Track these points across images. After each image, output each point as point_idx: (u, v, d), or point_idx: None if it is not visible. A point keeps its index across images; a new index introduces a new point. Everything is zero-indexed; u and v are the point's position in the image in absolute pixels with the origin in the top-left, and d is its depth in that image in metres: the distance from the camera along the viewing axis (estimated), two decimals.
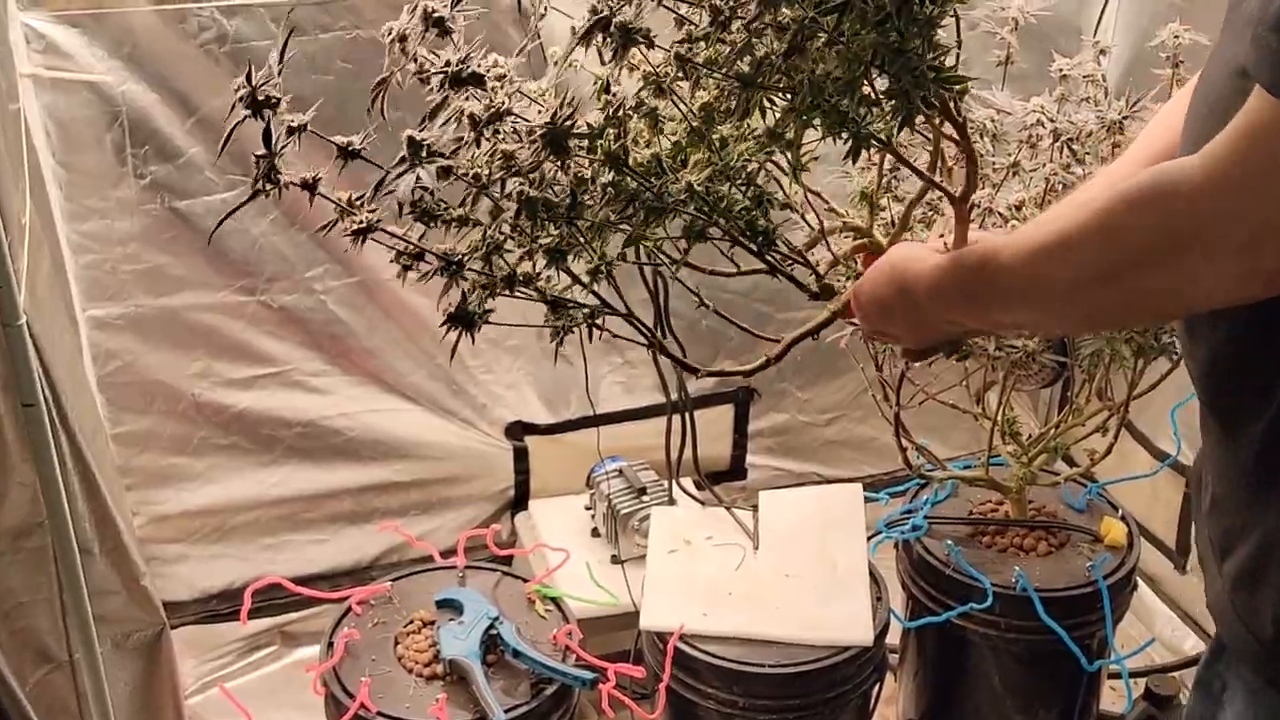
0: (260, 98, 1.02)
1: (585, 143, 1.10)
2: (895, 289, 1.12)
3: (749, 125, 1.16)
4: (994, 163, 1.64)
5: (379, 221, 1.13)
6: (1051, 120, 1.63)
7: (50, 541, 1.65)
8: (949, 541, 1.94)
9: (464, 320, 1.19)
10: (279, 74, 1.03)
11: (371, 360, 2.24)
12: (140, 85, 1.91)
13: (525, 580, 1.86)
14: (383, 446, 2.30)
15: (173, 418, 2.14)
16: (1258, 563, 1.00)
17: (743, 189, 1.17)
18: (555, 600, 1.82)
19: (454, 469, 2.37)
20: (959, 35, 1.01)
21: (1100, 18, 2.30)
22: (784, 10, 0.95)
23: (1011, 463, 1.97)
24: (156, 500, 2.17)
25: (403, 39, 1.11)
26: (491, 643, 1.69)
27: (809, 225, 1.33)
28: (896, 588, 1.99)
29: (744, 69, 1.00)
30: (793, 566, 1.89)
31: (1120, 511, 2.03)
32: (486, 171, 1.11)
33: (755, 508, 2.03)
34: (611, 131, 1.11)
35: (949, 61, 0.98)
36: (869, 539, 1.94)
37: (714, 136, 1.14)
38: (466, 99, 1.08)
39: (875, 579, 1.88)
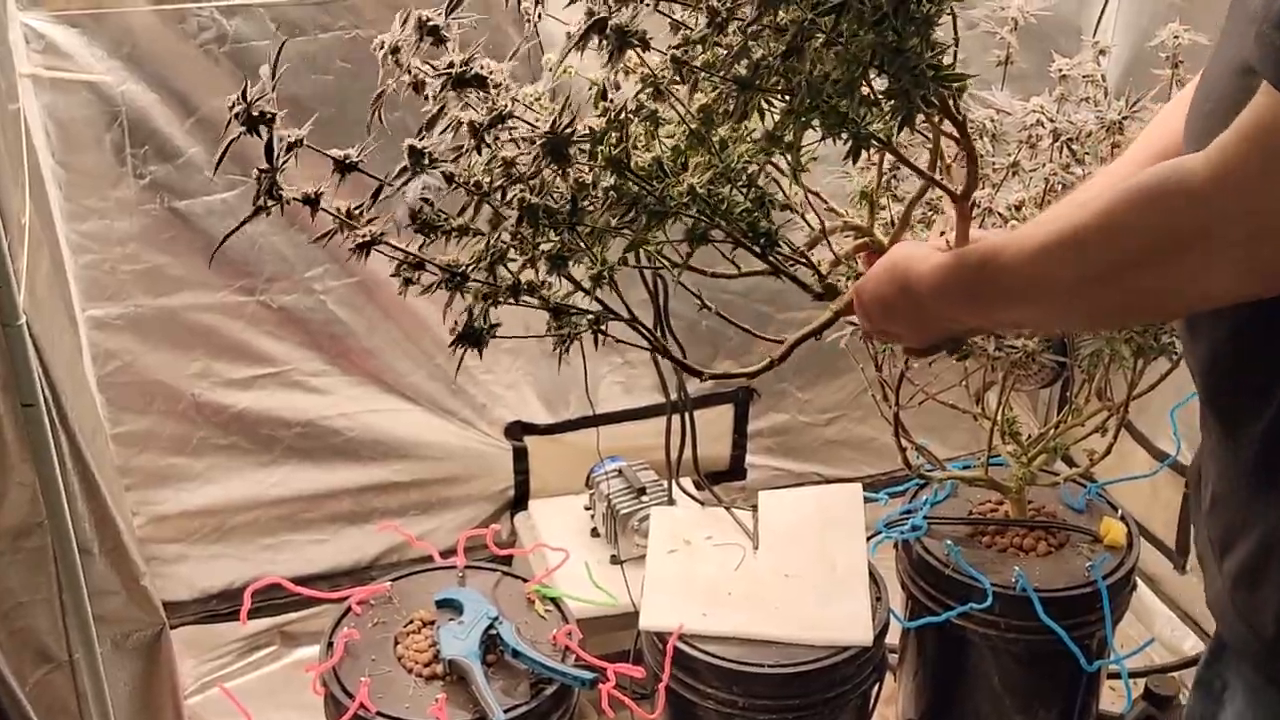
0: (255, 113, 1.02)
1: (586, 148, 1.10)
2: (897, 288, 1.12)
3: (747, 127, 1.16)
4: (994, 163, 1.64)
5: (382, 234, 1.13)
6: (1051, 120, 1.63)
7: (50, 541, 1.65)
8: (948, 541, 1.94)
9: (472, 339, 1.19)
10: (273, 89, 1.03)
11: (371, 360, 2.24)
12: (140, 85, 1.91)
13: (525, 580, 1.86)
14: (382, 446, 2.30)
15: (172, 418, 2.13)
16: (1258, 561, 1.00)
17: (744, 191, 1.17)
18: (555, 600, 1.82)
19: (453, 469, 2.37)
20: (956, 34, 1.01)
21: (1100, 18, 2.30)
22: (782, 12, 0.95)
23: (1011, 463, 1.97)
24: (156, 500, 2.17)
25: (395, 51, 1.11)
26: (491, 643, 1.69)
27: (809, 226, 1.33)
28: (896, 588, 1.99)
29: (741, 72, 1.00)
30: (792, 566, 1.89)
31: (1120, 511, 2.03)
32: (487, 179, 1.11)
33: (755, 508, 2.03)
34: (613, 136, 1.11)
35: (946, 60, 0.98)
36: (869, 539, 1.95)
37: (714, 139, 1.14)
38: (464, 107, 1.08)
39: (875, 579, 1.88)
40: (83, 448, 1.71)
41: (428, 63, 1.10)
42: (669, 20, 1.05)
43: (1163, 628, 2.42)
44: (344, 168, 1.07)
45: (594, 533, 2.30)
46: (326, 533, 2.32)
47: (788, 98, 1.02)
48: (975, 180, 1.15)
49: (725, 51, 1.01)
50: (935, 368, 1.87)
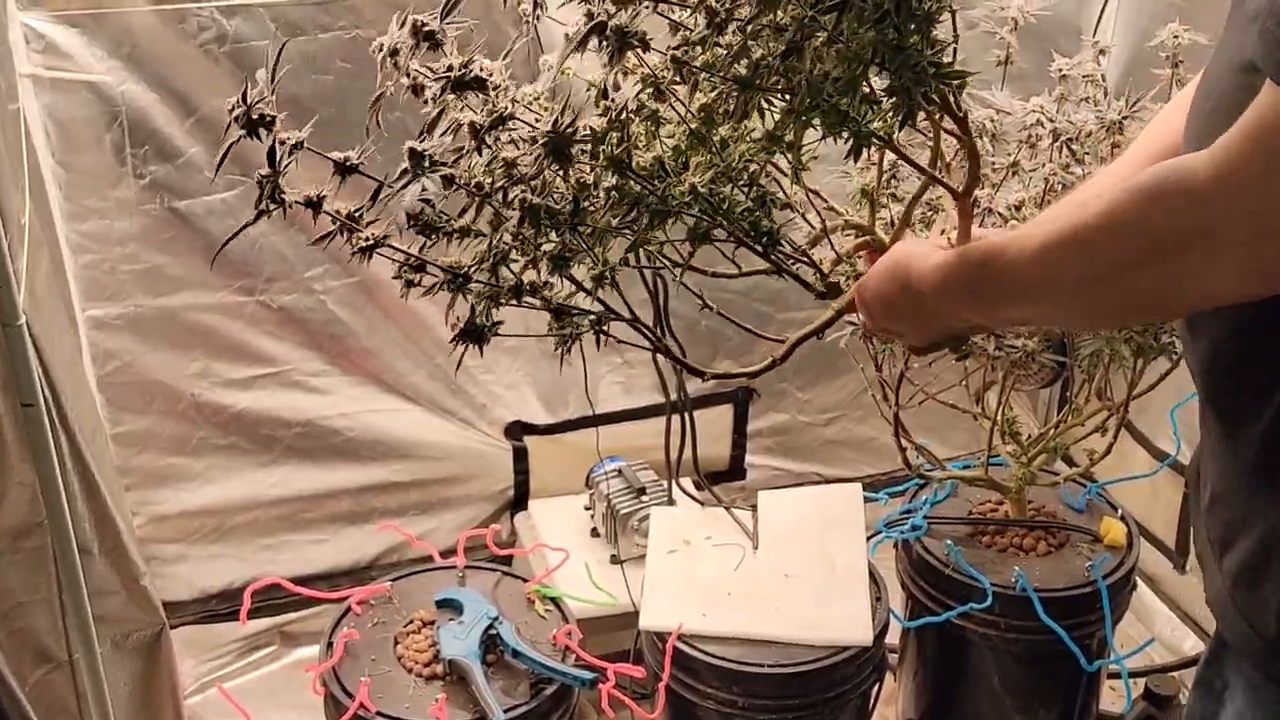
0: (255, 116, 1.02)
1: (587, 148, 1.10)
2: (899, 285, 1.12)
3: (746, 126, 1.16)
4: (994, 163, 1.64)
5: (386, 237, 1.13)
6: (1051, 120, 1.64)
7: (50, 541, 1.65)
8: (948, 541, 1.94)
9: (474, 335, 1.19)
10: (272, 91, 1.03)
11: (371, 360, 2.24)
12: (140, 85, 1.91)
13: (525, 580, 1.86)
14: (382, 446, 2.30)
15: (172, 418, 2.13)
16: (1258, 559, 1.00)
17: (745, 190, 1.17)
18: (555, 600, 1.82)
19: (453, 469, 2.37)
20: (955, 32, 1.01)
21: (1100, 17, 2.30)
22: (782, 11, 0.95)
23: (1011, 463, 1.97)
24: (156, 500, 2.17)
25: (394, 54, 1.11)
26: (491, 643, 1.69)
27: (809, 225, 1.33)
28: (896, 588, 1.99)
29: (741, 71, 1.00)
30: (792, 566, 1.89)
31: (1120, 511, 2.03)
32: (488, 180, 1.11)
33: (754, 508, 2.03)
34: (614, 135, 1.11)
35: (946, 57, 0.98)
36: (868, 539, 1.94)
37: (715, 138, 1.14)
38: (462, 108, 1.08)
39: (875, 579, 1.88)
40: (82, 448, 1.71)
41: (426, 66, 1.10)
42: (668, 21, 1.06)
43: (1163, 628, 2.42)
44: (344, 170, 1.07)
45: (594, 533, 2.30)
46: (326, 533, 2.32)
47: (788, 97, 1.02)
48: (977, 177, 1.15)
49: (725, 52, 1.01)
50: (935, 368, 1.87)
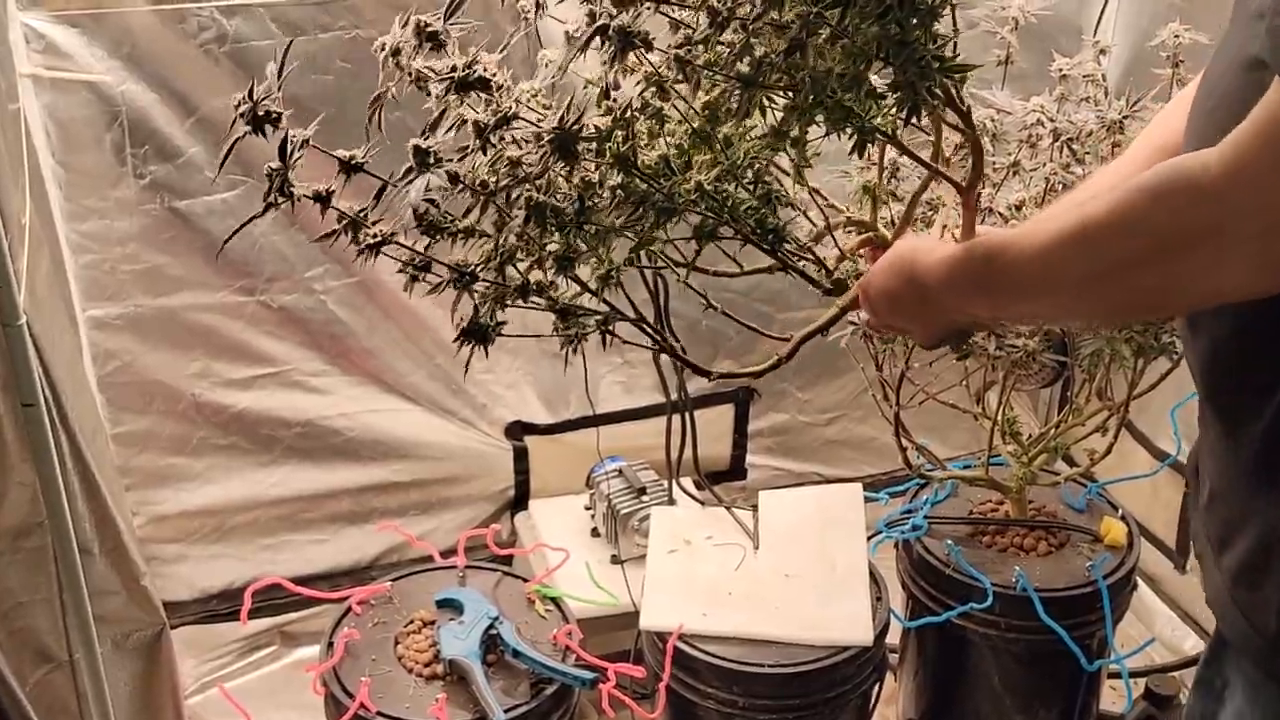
0: (261, 113, 1.02)
1: (593, 146, 1.09)
2: (904, 281, 1.12)
3: (748, 124, 1.16)
4: (994, 162, 1.64)
5: (393, 234, 1.13)
6: (1051, 120, 1.64)
7: (50, 541, 1.65)
8: (949, 541, 1.94)
9: (478, 334, 1.18)
10: (279, 88, 1.03)
11: (371, 360, 2.24)
12: (140, 85, 1.91)
13: (525, 580, 1.86)
14: (382, 446, 2.30)
15: (172, 418, 2.13)
16: (1258, 558, 1.00)
17: (750, 188, 1.17)
18: (555, 600, 1.82)
19: (454, 469, 2.37)
20: (955, 26, 1.01)
21: (1100, 17, 2.30)
22: (785, 8, 0.95)
23: (1011, 462, 1.97)
24: (156, 500, 2.17)
25: (396, 53, 1.10)
26: (491, 642, 1.69)
27: (811, 223, 1.33)
28: (896, 587, 1.99)
29: (744, 69, 1.00)
30: (793, 566, 1.89)
31: (1120, 511, 2.03)
32: (493, 178, 1.11)
33: (755, 508, 2.03)
34: (620, 134, 1.10)
35: (947, 51, 0.98)
36: (869, 539, 1.94)
37: (719, 135, 1.14)
38: (462, 105, 1.08)
39: (875, 579, 1.88)
40: (83, 448, 1.71)
41: (428, 67, 1.10)
42: (668, 20, 1.05)
43: (1163, 627, 2.42)
44: (349, 168, 1.07)
45: (594, 533, 2.30)
46: (326, 533, 2.32)
47: (790, 94, 1.02)
48: (981, 172, 1.15)
49: (727, 50, 1.01)
50: (936, 368, 1.88)
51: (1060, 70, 1.69)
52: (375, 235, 1.11)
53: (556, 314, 1.20)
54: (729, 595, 1.84)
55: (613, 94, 1.11)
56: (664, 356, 2.09)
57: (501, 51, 1.09)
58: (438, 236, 1.15)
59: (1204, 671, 1.13)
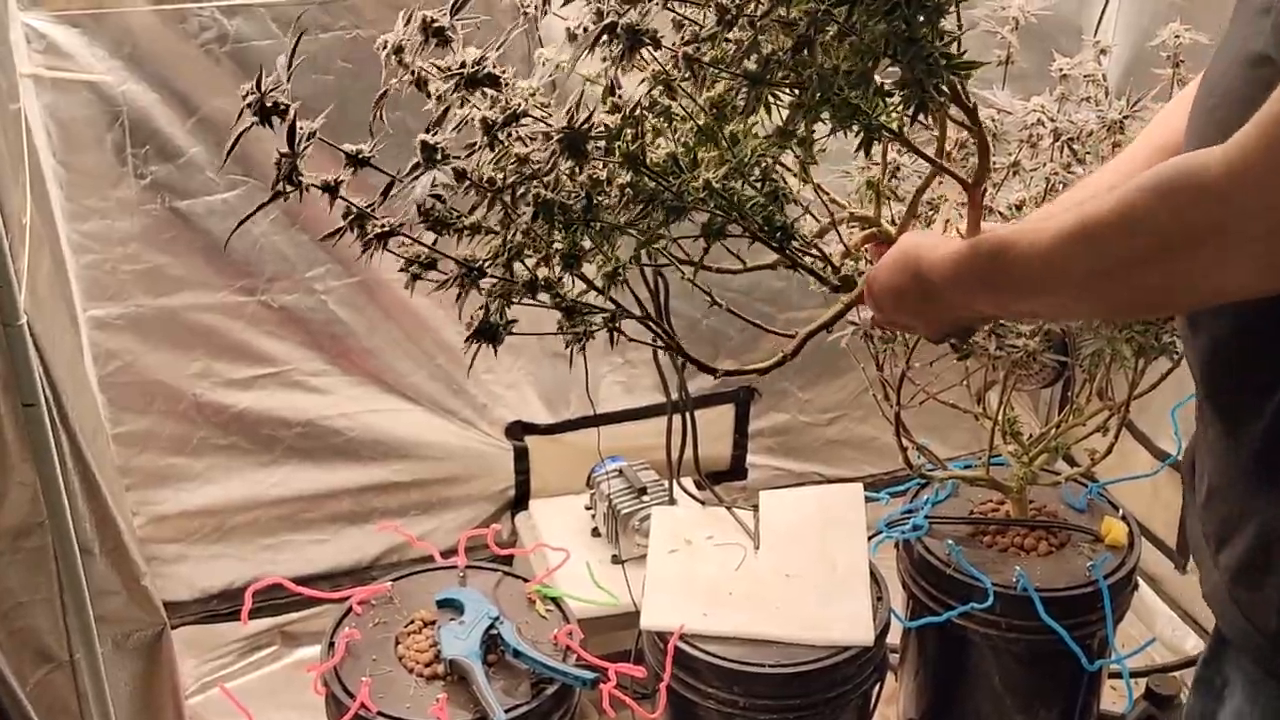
0: (269, 104, 1.02)
1: (601, 145, 1.09)
2: (909, 276, 1.12)
3: (752, 122, 1.15)
4: (994, 162, 1.64)
5: (402, 225, 1.12)
6: (1052, 120, 1.64)
7: (50, 541, 1.65)
8: (950, 541, 1.94)
9: (488, 334, 1.18)
10: (288, 79, 1.03)
11: (372, 360, 2.24)
12: (141, 85, 1.91)
13: (526, 580, 1.86)
14: (383, 446, 2.30)
15: (173, 418, 2.14)
16: (1258, 556, 1.00)
17: (758, 185, 1.17)
18: (556, 600, 1.82)
19: (454, 469, 2.37)
20: (959, 22, 1.01)
21: (1101, 17, 2.30)
22: (794, 5, 0.95)
23: (1012, 462, 1.97)
24: (156, 500, 2.17)
25: (399, 50, 1.10)
26: (492, 642, 1.69)
27: (815, 219, 1.33)
28: (897, 587, 1.99)
29: (751, 67, 1.00)
30: (793, 566, 1.89)
31: (1121, 511, 2.03)
32: (500, 176, 1.10)
33: (756, 507, 2.03)
34: (629, 132, 1.10)
35: (953, 48, 0.98)
36: (870, 539, 1.94)
37: (727, 132, 1.14)
38: (464, 102, 1.08)
39: (876, 579, 1.88)
40: (83, 447, 1.71)
41: (433, 63, 1.09)
42: (672, 18, 1.05)
43: (1164, 627, 2.42)
44: (357, 162, 1.07)
45: (595, 532, 2.30)
46: (327, 533, 2.32)
47: (797, 91, 1.02)
48: (987, 168, 1.14)
49: (734, 47, 1.01)
50: (936, 367, 1.88)
51: (1061, 70, 1.70)
52: (382, 226, 1.11)
53: (563, 312, 1.20)
54: (730, 595, 1.84)
55: (618, 92, 1.11)
56: (664, 356, 2.11)
57: (499, 49, 1.09)
58: (443, 232, 1.14)
59: (1203, 670, 1.13)
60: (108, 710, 1.79)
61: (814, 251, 1.26)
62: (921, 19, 0.93)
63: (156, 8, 1.89)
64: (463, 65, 1.05)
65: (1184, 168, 0.84)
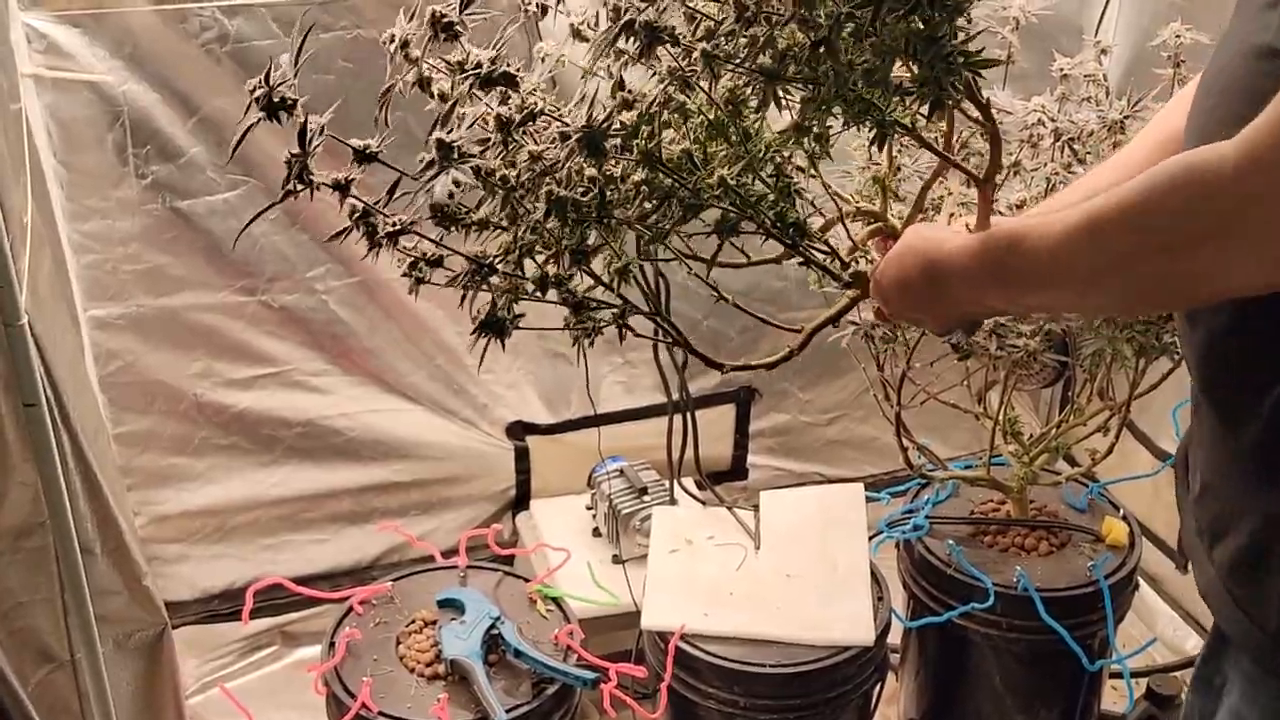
0: (276, 99, 1.02)
1: (618, 142, 1.09)
2: (919, 270, 1.12)
3: (761, 118, 1.15)
4: None
5: (413, 222, 1.12)
6: (1053, 120, 1.64)
7: (52, 541, 1.65)
8: (950, 541, 1.94)
9: (495, 327, 1.17)
10: (295, 75, 1.03)
11: (372, 360, 2.24)
12: (141, 85, 1.91)
13: (527, 580, 1.86)
14: (383, 446, 2.30)
15: (174, 418, 2.14)
16: (1254, 552, 1.00)
17: (770, 181, 1.17)
18: (556, 600, 1.82)
19: (455, 469, 2.37)
20: (969, 19, 1.01)
21: (1101, 17, 2.30)
22: (820, 4, 0.95)
23: (1013, 462, 1.97)
24: (157, 500, 2.17)
25: (404, 45, 1.10)
26: (493, 642, 1.69)
27: (821, 214, 1.33)
28: (898, 587, 1.99)
29: (767, 62, 1.00)
30: (794, 566, 1.89)
31: (1121, 511, 2.03)
32: (512, 173, 1.10)
33: (756, 508, 2.03)
34: (646, 129, 1.10)
35: (970, 45, 0.98)
36: (870, 539, 1.94)
37: (741, 128, 1.14)
38: (472, 100, 1.08)
39: (876, 579, 1.88)
40: (85, 447, 1.71)
41: (441, 59, 1.09)
42: (684, 12, 1.05)
43: (1165, 627, 2.42)
44: (364, 158, 1.07)
45: (595, 532, 2.30)
46: (327, 533, 2.32)
47: (811, 87, 1.02)
48: (998, 163, 1.14)
49: (748, 43, 1.00)
50: (937, 367, 1.87)
51: (1061, 70, 1.69)
52: (393, 224, 1.11)
53: (571, 308, 1.20)
54: (730, 595, 1.84)
55: (629, 88, 1.10)
56: (665, 356, 2.11)
57: (500, 46, 1.09)
58: (452, 229, 1.14)
59: (1202, 669, 1.13)
60: (109, 710, 1.79)
61: (824, 247, 1.26)
62: (942, 16, 0.93)
63: (157, 8, 1.89)
64: (478, 65, 1.05)
65: (1192, 162, 0.83)
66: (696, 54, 1.02)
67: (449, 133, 1.04)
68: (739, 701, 1.74)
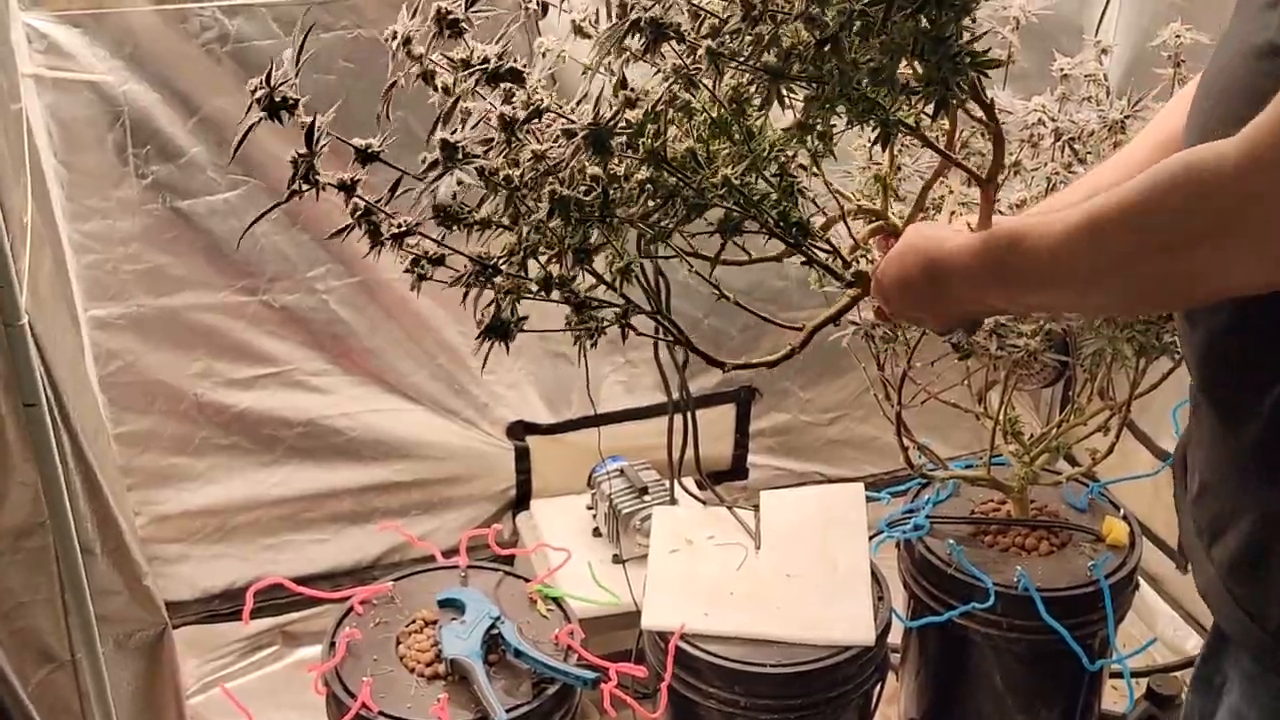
0: (278, 99, 1.02)
1: (623, 140, 1.09)
2: (920, 269, 1.12)
3: (767, 116, 1.15)
4: None
5: (418, 224, 1.12)
6: (1053, 119, 1.64)
7: (52, 541, 1.65)
8: (951, 541, 1.94)
9: (500, 331, 1.17)
10: (296, 75, 1.02)
11: (373, 360, 2.24)
12: (142, 85, 1.91)
13: (527, 580, 1.86)
14: (384, 446, 2.30)
15: (174, 418, 2.14)
16: (1254, 551, 1.00)
17: (775, 180, 1.17)
18: (557, 600, 1.82)
19: (455, 469, 2.37)
20: (973, 18, 1.01)
21: (1102, 17, 2.30)
22: (826, 3, 0.95)
23: (1013, 462, 1.97)
24: (158, 500, 2.17)
25: (407, 41, 1.10)
26: (493, 642, 1.69)
27: (823, 212, 1.33)
28: (898, 587, 1.99)
29: (771, 60, 1.00)
30: (794, 566, 1.89)
31: (1122, 511, 2.03)
32: (516, 172, 1.10)
33: (757, 507, 2.03)
34: (651, 128, 1.10)
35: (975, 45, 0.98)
36: (871, 538, 1.94)
37: (745, 126, 1.14)
38: (475, 97, 1.08)
39: (877, 579, 1.88)
40: (85, 447, 1.71)
41: (444, 55, 1.09)
42: (689, 8, 1.05)
43: (1165, 627, 2.42)
44: (366, 157, 1.07)
45: (596, 532, 2.30)
46: (328, 532, 2.32)
47: (815, 86, 1.02)
48: (1001, 163, 1.14)
49: (752, 40, 1.00)
50: (938, 367, 1.87)
51: (1062, 70, 1.69)
52: (399, 226, 1.11)
53: (573, 308, 1.19)
54: (731, 595, 1.84)
55: (630, 86, 1.10)
56: (665, 356, 2.11)
57: (501, 40, 1.09)
58: (454, 228, 1.14)
59: (1202, 669, 1.13)
60: (109, 710, 1.79)
61: (826, 246, 1.26)
62: (950, 16, 0.93)
63: (157, 8, 1.89)
64: (485, 60, 1.05)
65: (1192, 161, 0.83)
66: (701, 52, 1.02)
67: (453, 132, 1.04)
68: (739, 701, 1.74)
